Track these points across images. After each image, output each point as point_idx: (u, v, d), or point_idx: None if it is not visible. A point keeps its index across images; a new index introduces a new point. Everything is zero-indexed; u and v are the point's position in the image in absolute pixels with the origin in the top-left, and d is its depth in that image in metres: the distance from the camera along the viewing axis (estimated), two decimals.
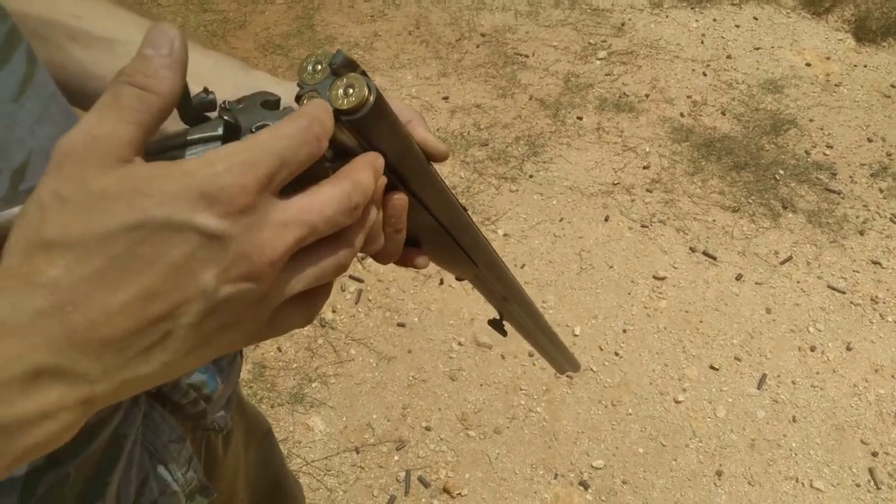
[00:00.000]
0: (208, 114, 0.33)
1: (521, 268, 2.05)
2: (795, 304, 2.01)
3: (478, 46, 2.95)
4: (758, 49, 3.01)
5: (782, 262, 2.13)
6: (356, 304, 1.96)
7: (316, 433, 1.67)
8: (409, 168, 0.41)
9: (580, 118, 2.60)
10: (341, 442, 1.66)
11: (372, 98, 0.34)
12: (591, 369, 1.83)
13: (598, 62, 2.89)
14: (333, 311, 1.93)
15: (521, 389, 1.78)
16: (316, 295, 0.34)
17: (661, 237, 2.18)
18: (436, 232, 0.48)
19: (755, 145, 2.52)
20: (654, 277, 2.05)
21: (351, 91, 0.33)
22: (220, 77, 0.43)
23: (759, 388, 1.81)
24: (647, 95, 2.72)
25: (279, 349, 1.83)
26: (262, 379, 1.76)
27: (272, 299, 0.31)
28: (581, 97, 2.70)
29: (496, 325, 0.63)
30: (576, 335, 1.90)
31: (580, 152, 2.46)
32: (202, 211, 0.27)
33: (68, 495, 0.43)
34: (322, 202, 0.31)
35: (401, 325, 1.91)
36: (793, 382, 1.83)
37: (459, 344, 1.87)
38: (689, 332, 1.93)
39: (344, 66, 0.34)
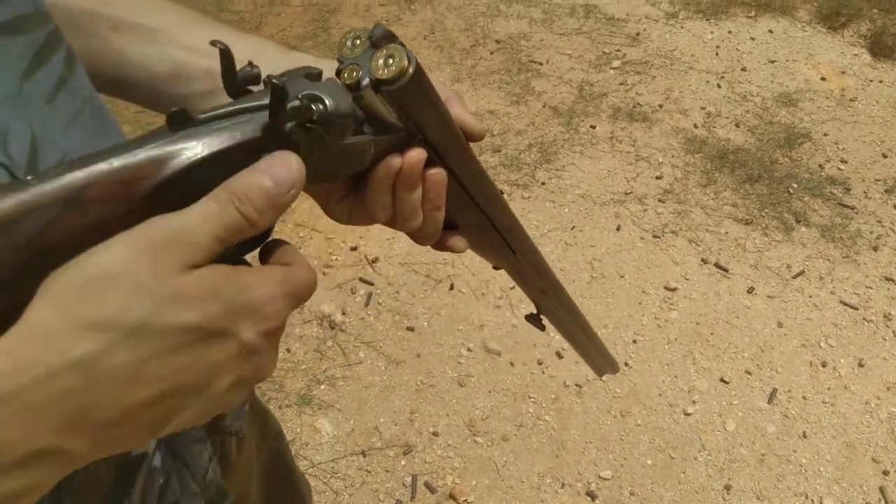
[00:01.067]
0: (252, 87, 0.33)
1: None
2: (807, 319, 2.00)
3: (492, 53, 2.95)
4: (773, 62, 3.00)
5: (795, 276, 2.11)
6: (366, 306, 1.95)
7: (323, 435, 1.66)
8: (448, 144, 0.41)
9: (593, 127, 2.60)
10: (348, 445, 1.65)
11: (411, 68, 0.34)
12: (601, 379, 1.82)
13: (612, 71, 2.89)
14: (343, 314, 1.93)
15: (530, 397, 1.77)
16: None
17: (673, 248, 2.17)
18: (474, 214, 0.47)
19: (769, 158, 2.51)
20: (666, 288, 2.04)
21: (391, 61, 0.34)
22: (262, 57, 0.43)
23: (769, 403, 1.80)
24: (660, 106, 2.72)
25: (288, 350, 1.83)
26: (270, 379, 1.76)
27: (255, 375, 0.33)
28: (595, 106, 2.70)
29: (534, 319, 0.62)
30: None
31: (593, 161, 2.46)
32: (250, 325, 0.29)
33: (97, 495, 0.43)
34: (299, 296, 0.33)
35: (410, 329, 1.90)
36: (804, 398, 1.81)
37: (468, 350, 1.86)
38: (700, 344, 1.92)
39: (383, 38, 0.35)
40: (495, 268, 0.57)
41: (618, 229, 2.21)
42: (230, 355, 0.29)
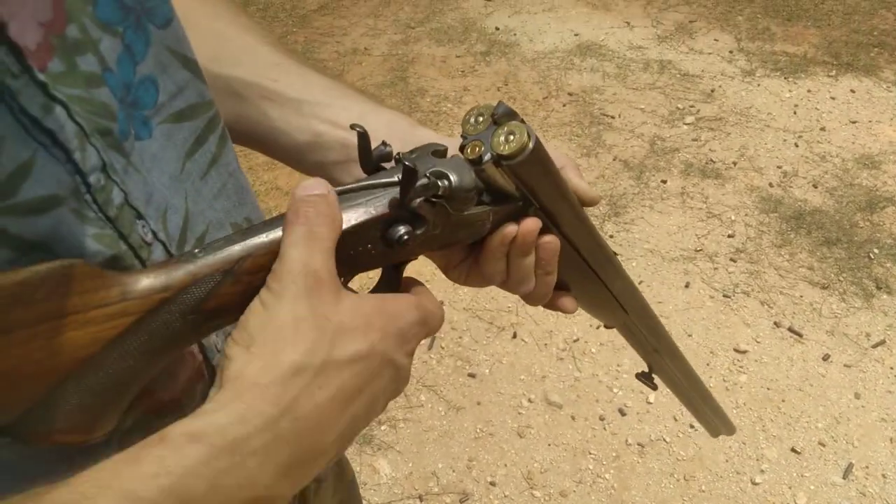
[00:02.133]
0: (385, 164, 0.37)
1: (597, 328, 2.04)
2: (888, 392, 1.91)
3: (564, 105, 3.00)
4: (854, 122, 2.93)
5: (874, 346, 2.02)
6: (429, 349, 1.98)
7: (382, 476, 1.68)
8: (563, 212, 0.43)
9: (664, 181, 2.59)
10: (406, 488, 1.66)
11: (531, 144, 0.36)
12: (664, 440, 1.78)
13: (685, 127, 2.88)
14: None
15: (590, 453, 1.74)
16: None
17: (744, 309, 2.12)
18: (586, 276, 0.49)
19: (848, 221, 2.44)
20: (735, 350, 1.99)
21: (512, 137, 0.36)
22: (392, 133, 0.47)
23: (844, 478, 1.71)
24: (734, 163, 2.69)
25: None
26: None
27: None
28: (666, 161, 2.69)
29: (645, 378, 0.63)
30: (649, 403, 1.85)
31: (663, 216, 2.44)
32: (401, 349, 0.34)
33: None
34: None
35: (471, 375, 1.92)
36: (883, 476, 1.72)
37: (529, 401, 1.86)
38: (770, 411, 1.85)
39: (505, 115, 0.38)
40: (606, 326, 0.58)
41: (686, 286, 2.18)
42: (390, 378, 0.34)
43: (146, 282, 0.30)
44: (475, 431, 1.79)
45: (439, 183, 0.36)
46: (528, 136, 0.36)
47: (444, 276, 0.49)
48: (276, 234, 0.32)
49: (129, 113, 0.34)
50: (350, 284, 0.38)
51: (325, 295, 0.32)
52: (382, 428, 1.78)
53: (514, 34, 3.52)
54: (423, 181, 0.35)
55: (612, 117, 2.92)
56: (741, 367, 1.96)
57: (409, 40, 3.46)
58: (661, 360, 0.61)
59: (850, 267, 2.26)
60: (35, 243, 0.29)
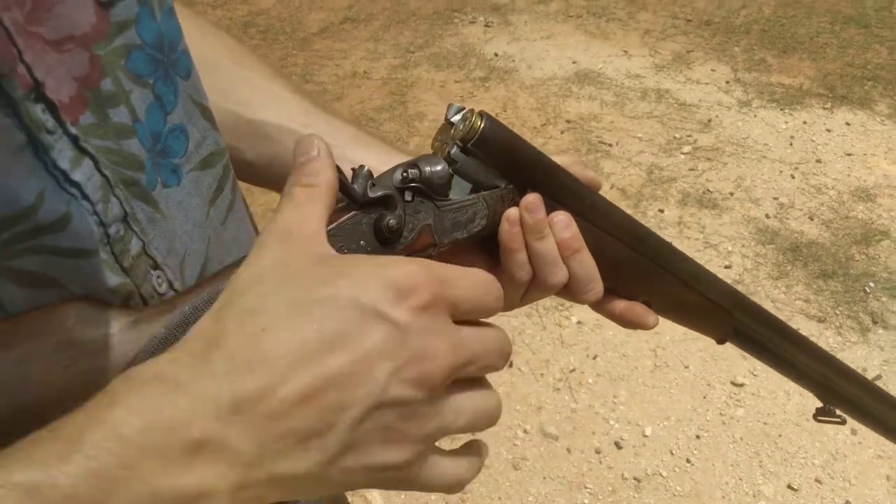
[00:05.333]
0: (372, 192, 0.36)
1: (594, 359, 2.02)
2: None
3: (562, 132, 3.01)
4: (849, 155, 2.95)
5: (871, 381, 2.02)
6: None
7: None
8: (559, 185, 0.42)
9: (661, 211, 2.60)
10: None
11: (482, 120, 0.37)
12: (661, 474, 1.76)
13: (682, 156, 2.90)
14: None
15: (586, 487, 1.72)
16: (470, 456, 0.34)
17: None
18: (637, 266, 0.45)
19: (844, 254, 2.44)
20: (732, 383, 1.98)
21: (466, 122, 0.38)
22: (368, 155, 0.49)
23: None
24: (731, 193, 2.70)
25: None
26: None
27: (431, 423, 0.30)
28: (663, 190, 2.70)
29: (825, 413, 0.52)
30: (646, 436, 1.84)
31: None
32: (393, 301, 0.28)
33: None
34: (488, 338, 0.33)
35: None
36: None
37: (525, 432, 1.84)
38: (767, 446, 1.84)
39: (456, 112, 0.39)
40: (720, 341, 0.51)
41: None
42: (379, 337, 0.27)
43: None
44: None
45: (409, 172, 0.36)
46: (480, 114, 0.38)
47: None
48: None
49: (157, 161, 0.35)
50: None
51: (293, 246, 0.29)
52: None
53: (513, 61, 3.54)
54: (398, 175, 0.36)
55: (610, 145, 2.94)
56: (738, 400, 1.94)
57: (409, 65, 3.48)
58: (833, 381, 0.49)
59: (846, 300, 2.26)
60: (53, 281, 0.30)
